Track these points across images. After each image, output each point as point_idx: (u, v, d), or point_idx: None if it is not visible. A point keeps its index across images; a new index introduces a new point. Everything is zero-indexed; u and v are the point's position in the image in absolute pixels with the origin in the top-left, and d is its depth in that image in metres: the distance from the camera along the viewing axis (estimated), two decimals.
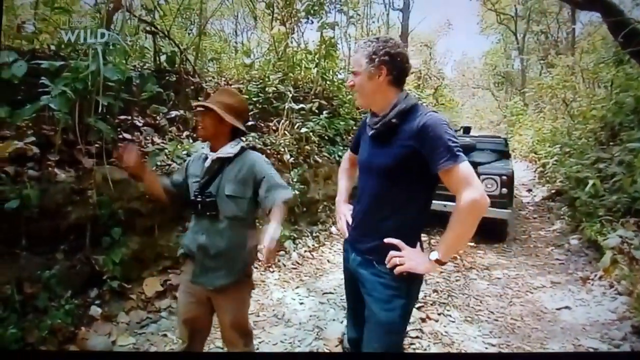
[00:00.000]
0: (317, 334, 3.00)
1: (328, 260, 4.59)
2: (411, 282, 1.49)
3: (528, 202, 8.39)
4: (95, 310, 2.77)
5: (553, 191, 8.09)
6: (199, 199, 1.78)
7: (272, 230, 1.63)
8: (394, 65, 1.45)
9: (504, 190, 5.07)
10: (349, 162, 1.93)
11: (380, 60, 1.43)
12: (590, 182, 5.12)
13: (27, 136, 2.62)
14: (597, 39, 11.32)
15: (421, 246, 1.53)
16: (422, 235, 4.50)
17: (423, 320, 3.19)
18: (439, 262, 1.40)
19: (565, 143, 8.27)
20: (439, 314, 3.33)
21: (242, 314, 1.93)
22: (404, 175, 1.44)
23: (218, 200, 1.77)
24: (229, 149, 1.83)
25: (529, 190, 9.43)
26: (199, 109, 1.86)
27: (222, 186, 1.79)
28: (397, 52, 1.45)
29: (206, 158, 1.87)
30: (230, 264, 1.80)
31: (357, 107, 6.79)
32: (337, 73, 7.77)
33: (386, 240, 1.45)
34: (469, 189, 1.31)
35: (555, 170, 8.16)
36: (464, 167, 1.32)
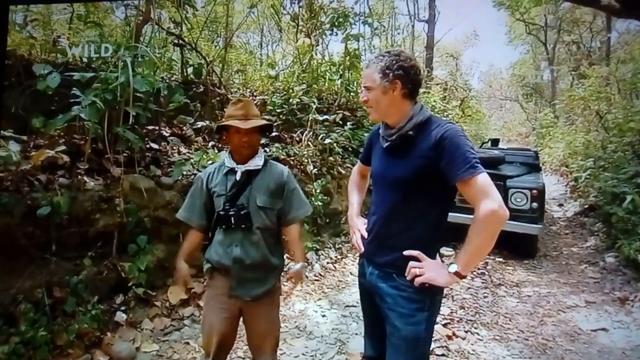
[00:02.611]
0: (339, 348, 2.94)
1: (351, 273, 4.51)
2: (433, 294, 1.46)
3: (559, 217, 8.08)
4: (121, 316, 2.81)
5: (586, 206, 7.76)
6: (231, 212, 1.76)
7: (300, 267, 1.89)
8: (408, 78, 1.44)
9: (535, 204, 4.87)
10: (359, 174, 1.90)
11: (395, 75, 1.42)
12: (629, 197, 4.85)
13: (58, 145, 2.71)
14: (636, 47, 10.89)
15: (441, 259, 1.50)
16: (449, 248, 4.38)
17: (449, 337, 3.07)
18: (459, 275, 1.36)
19: (599, 156, 7.92)
20: (466, 332, 3.21)
21: (277, 319, 1.98)
22: (420, 187, 1.42)
23: (250, 211, 1.78)
24: (257, 161, 1.85)
25: (560, 205, 9.10)
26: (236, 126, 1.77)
27: (253, 197, 1.80)
28: (410, 65, 1.44)
29: (229, 171, 1.85)
30: (265, 273, 1.84)
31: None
32: (361, 85, 7.75)
33: (406, 252, 1.43)
34: (487, 200, 1.28)
35: (589, 185, 7.82)
36: (483, 178, 1.30)
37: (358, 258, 1.73)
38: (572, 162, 10.35)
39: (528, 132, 22.41)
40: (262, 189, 1.81)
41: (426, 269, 1.39)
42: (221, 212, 1.79)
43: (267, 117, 4.77)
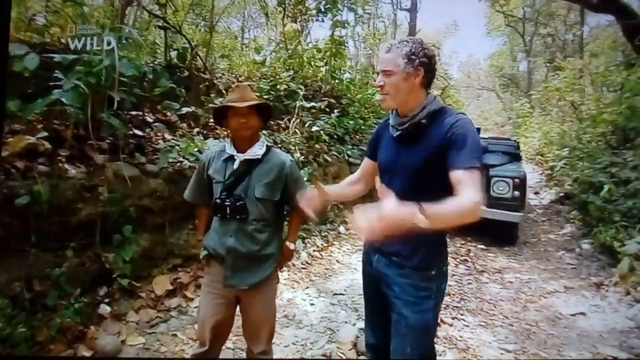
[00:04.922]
0: (329, 337, 2.94)
1: (337, 261, 4.53)
2: (440, 281, 1.50)
3: (536, 205, 8.31)
4: (105, 309, 2.71)
5: (562, 194, 8.02)
6: (227, 203, 1.72)
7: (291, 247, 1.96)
8: (429, 67, 1.43)
9: (516, 193, 5.02)
10: (349, 180, 1.83)
11: (420, 62, 1.40)
12: (606, 187, 5.03)
13: (38, 131, 2.56)
14: (607, 42, 11.23)
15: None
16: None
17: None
18: (422, 210, 1.15)
19: (574, 147, 8.19)
20: (452, 318, 3.27)
21: (273, 308, 1.95)
22: (431, 175, 1.40)
23: (247, 202, 1.73)
24: (257, 150, 1.79)
25: (537, 193, 9.36)
26: (234, 107, 1.73)
27: (252, 188, 1.75)
28: (432, 54, 1.44)
29: (229, 158, 1.79)
30: (260, 262, 1.80)
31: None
32: (345, 72, 7.72)
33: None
34: (477, 193, 1.23)
35: (564, 174, 8.08)
36: (479, 174, 1.30)
37: (363, 247, 1.72)
38: (547, 152, 10.69)
39: (504, 122, 22.94)
40: (261, 180, 1.77)
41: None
42: (217, 201, 1.75)
43: None
